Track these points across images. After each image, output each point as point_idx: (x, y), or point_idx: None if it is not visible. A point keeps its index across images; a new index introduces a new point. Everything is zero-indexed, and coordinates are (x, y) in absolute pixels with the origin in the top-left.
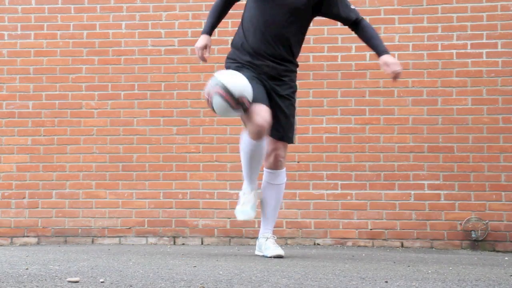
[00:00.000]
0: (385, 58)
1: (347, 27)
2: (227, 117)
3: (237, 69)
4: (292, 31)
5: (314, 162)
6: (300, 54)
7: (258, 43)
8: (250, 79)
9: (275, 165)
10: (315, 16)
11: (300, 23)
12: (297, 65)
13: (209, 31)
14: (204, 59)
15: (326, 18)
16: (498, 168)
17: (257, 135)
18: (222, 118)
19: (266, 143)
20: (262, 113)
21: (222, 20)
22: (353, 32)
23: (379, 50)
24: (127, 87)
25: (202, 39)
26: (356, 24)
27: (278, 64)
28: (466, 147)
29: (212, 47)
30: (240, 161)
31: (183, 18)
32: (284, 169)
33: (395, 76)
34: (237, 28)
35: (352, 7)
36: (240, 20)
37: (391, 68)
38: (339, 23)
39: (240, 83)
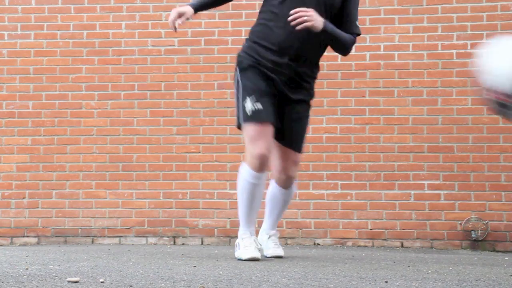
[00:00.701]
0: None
1: None
2: None
3: (250, 67)
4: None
5: (314, 162)
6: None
7: (286, 37)
8: (259, 88)
9: (285, 185)
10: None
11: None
12: (318, 69)
13: (197, 6)
14: (174, 26)
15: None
16: (498, 168)
17: (258, 165)
18: (222, 117)
19: (279, 158)
20: (264, 138)
21: (222, 20)
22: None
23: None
24: (127, 87)
25: (184, 7)
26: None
27: (303, 65)
28: (466, 147)
29: (211, 47)
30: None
31: None
32: (294, 183)
33: (298, 24)
34: (238, 29)
35: (358, 23)
36: (258, 13)
37: (299, 13)
38: None
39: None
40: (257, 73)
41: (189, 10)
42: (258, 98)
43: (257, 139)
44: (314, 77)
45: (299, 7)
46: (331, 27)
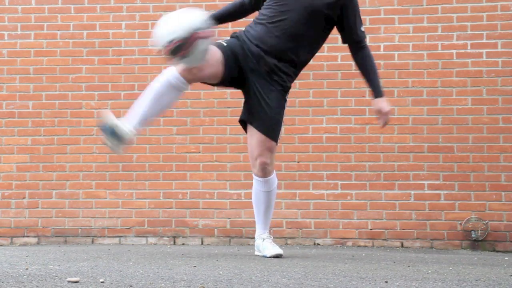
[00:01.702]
0: (380, 103)
1: (347, 46)
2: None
3: (232, 39)
4: (306, 31)
5: (314, 162)
6: (306, 61)
7: (264, 34)
8: (231, 41)
9: (262, 173)
10: (331, 25)
11: (316, 25)
12: (296, 72)
13: (217, 16)
14: None
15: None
16: (498, 168)
17: (187, 73)
18: (222, 117)
19: (253, 145)
20: (210, 56)
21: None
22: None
23: (376, 90)
24: (127, 87)
25: None
26: (359, 47)
27: (274, 60)
28: (466, 147)
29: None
30: None
31: None
32: (273, 175)
33: (384, 125)
34: (237, 29)
35: (363, 29)
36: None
37: (383, 118)
38: None
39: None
40: (234, 40)
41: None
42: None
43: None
44: (288, 74)
45: (283, 13)
46: (381, 89)
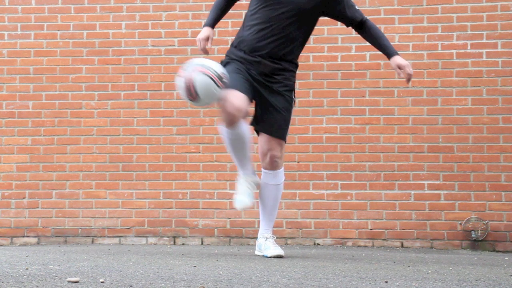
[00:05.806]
0: (397, 60)
1: (349, 27)
2: (208, 102)
3: (227, 63)
4: (297, 32)
5: (314, 162)
6: (300, 54)
7: (256, 41)
8: (232, 71)
9: (271, 166)
10: (319, 17)
11: (305, 24)
12: (296, 66)
13: (212, 23)
14: (206, 51)
15: (327, 18)
16: (498, 168)
17: (229, 123)
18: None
19: (262, 141)
20: (234, 100)
21: (222, 20)
22: (353, 32)
23: (389, 51)
24: (127, 87)
25: (205, 31)
26: (361, 25)
27: (273, 62)
28: (466, 147)
29: (212, 47)
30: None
31: (183, 18)
32: (282, 168)
33: (409, 78)
34: (238, 29)
35: (357, 7)
36: (243, 20)
37: (406, 71)
38: (339, 23)
39: (215, 63)
40: (234, 64)
41: (209, 31)
42: (229, 74)
43: (226, 100)
44: (290, 70)
45: (273, 15)
46: (393, 48)
